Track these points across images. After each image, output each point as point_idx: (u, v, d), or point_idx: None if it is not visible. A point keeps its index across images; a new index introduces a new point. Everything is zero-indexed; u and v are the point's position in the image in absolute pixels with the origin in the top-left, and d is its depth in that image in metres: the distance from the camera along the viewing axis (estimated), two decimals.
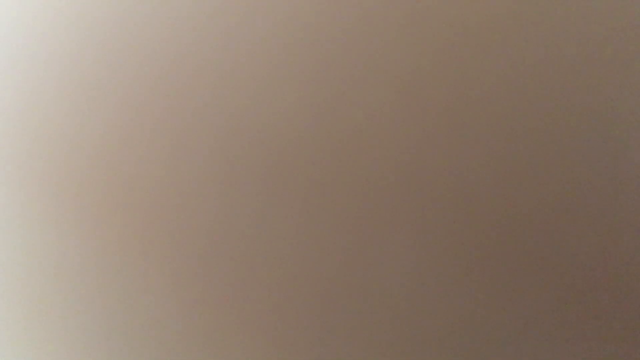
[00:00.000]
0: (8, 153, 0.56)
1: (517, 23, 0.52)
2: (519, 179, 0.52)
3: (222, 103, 0.54)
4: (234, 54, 0.54)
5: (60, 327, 0.55)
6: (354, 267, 0.53)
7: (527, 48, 0.52)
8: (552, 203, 0.52)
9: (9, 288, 0.55)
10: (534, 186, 0.52)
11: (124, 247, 0.54)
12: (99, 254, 0.54)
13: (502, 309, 0.52)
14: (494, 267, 0.52)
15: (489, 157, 0.52)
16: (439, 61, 0.52)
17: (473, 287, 0.52)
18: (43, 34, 0.55)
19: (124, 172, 0.54)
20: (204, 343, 0.54)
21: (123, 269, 0.54)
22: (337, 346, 0.53)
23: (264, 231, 0.53)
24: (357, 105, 0.53)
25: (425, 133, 0.52)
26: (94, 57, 0.55)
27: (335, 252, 0.53)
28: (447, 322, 0.52)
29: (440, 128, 0.52)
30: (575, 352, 0.52)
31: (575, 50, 0.52)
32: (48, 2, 0.56)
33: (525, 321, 0.52)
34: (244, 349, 0.54)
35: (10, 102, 0.56)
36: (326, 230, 0.53)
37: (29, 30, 0.56)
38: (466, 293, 0.52)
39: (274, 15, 0.54)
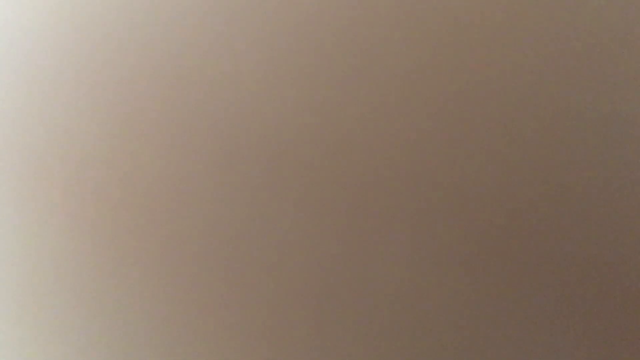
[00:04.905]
0: (7, 153, 0.56)
1: (516, 22, 0.52)
2: (519, 178, 0.52)
3: (220, 102, 0.54)
4: (233, 53, 0.54)
5: (59, 327, 0.55)
6: (353, 266, 0.53)
7: (526, 48, 0.52)
8: (551, 203, 0.52)
9: (8, 288, 0.55)
10: (534, 186, 0.52)
11: (122, 247, 0.54)
12: (97, 254, 0.54)
13: (502, 308, 0.52)
14: (493, 266, 0.52)
15: (488, 157, 0.52)
16: (439, 61, 0.53)
17: (472, 287, 0.52)
18: (42, 33, 0.56)
19: (122, 172, 0.54)
20: (202, 343, 0.54)
21: (121, 269, 0.54)
22: (337, 346, 0.53)
23: (263, 231, 0.53)
24: (356, 104, 0.53)
25: (424, 132, 0.53)
26: (93, 56, 0.55)
27: (335, 251, 0.53)
28: (447, 322, 0.52)
29: (440, 127, 0.52)
30: (576, 352, 0.52)
31: (575, 49, 0.52)
32: (47, 2, 0.56)
33: (525, 321, 0.52)
34: (243, 348, 0.54)
35: (10, 102, 0.56)
36: (325, 229, 0.53)
37: (28, 30, 0.56)
38: (465, 293, 0.52)
39: (273, 13, 0.54)
